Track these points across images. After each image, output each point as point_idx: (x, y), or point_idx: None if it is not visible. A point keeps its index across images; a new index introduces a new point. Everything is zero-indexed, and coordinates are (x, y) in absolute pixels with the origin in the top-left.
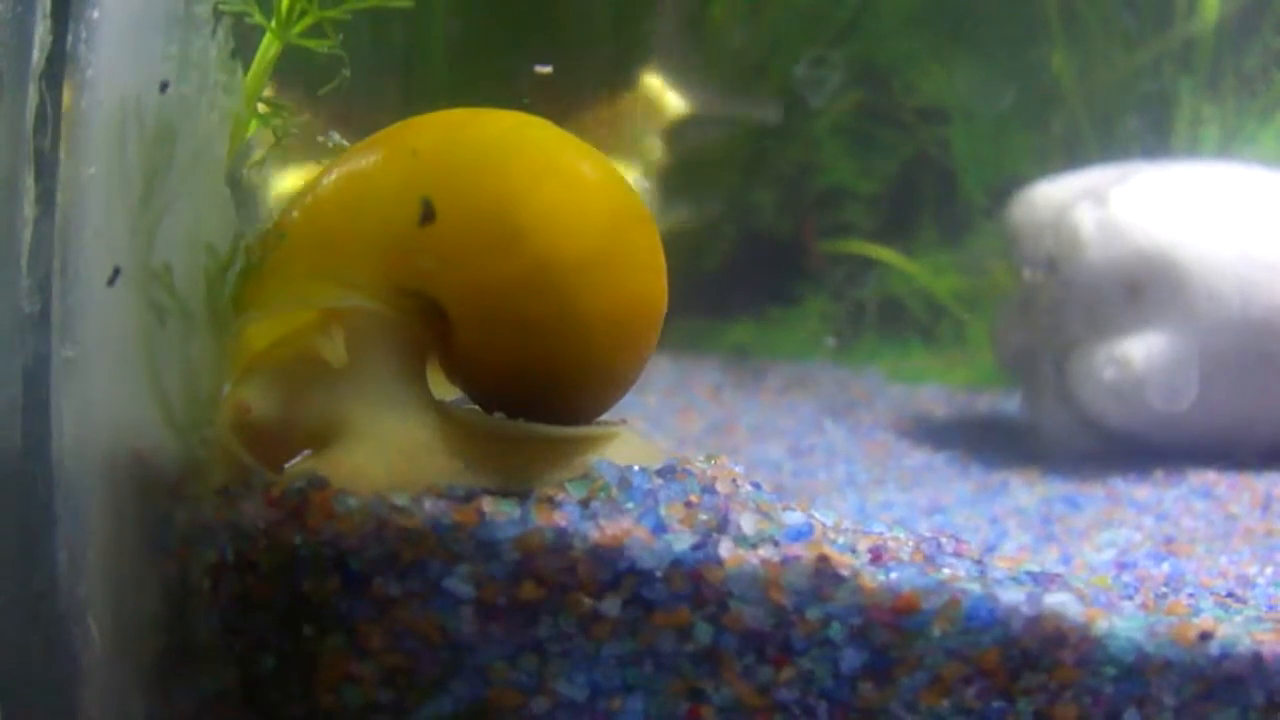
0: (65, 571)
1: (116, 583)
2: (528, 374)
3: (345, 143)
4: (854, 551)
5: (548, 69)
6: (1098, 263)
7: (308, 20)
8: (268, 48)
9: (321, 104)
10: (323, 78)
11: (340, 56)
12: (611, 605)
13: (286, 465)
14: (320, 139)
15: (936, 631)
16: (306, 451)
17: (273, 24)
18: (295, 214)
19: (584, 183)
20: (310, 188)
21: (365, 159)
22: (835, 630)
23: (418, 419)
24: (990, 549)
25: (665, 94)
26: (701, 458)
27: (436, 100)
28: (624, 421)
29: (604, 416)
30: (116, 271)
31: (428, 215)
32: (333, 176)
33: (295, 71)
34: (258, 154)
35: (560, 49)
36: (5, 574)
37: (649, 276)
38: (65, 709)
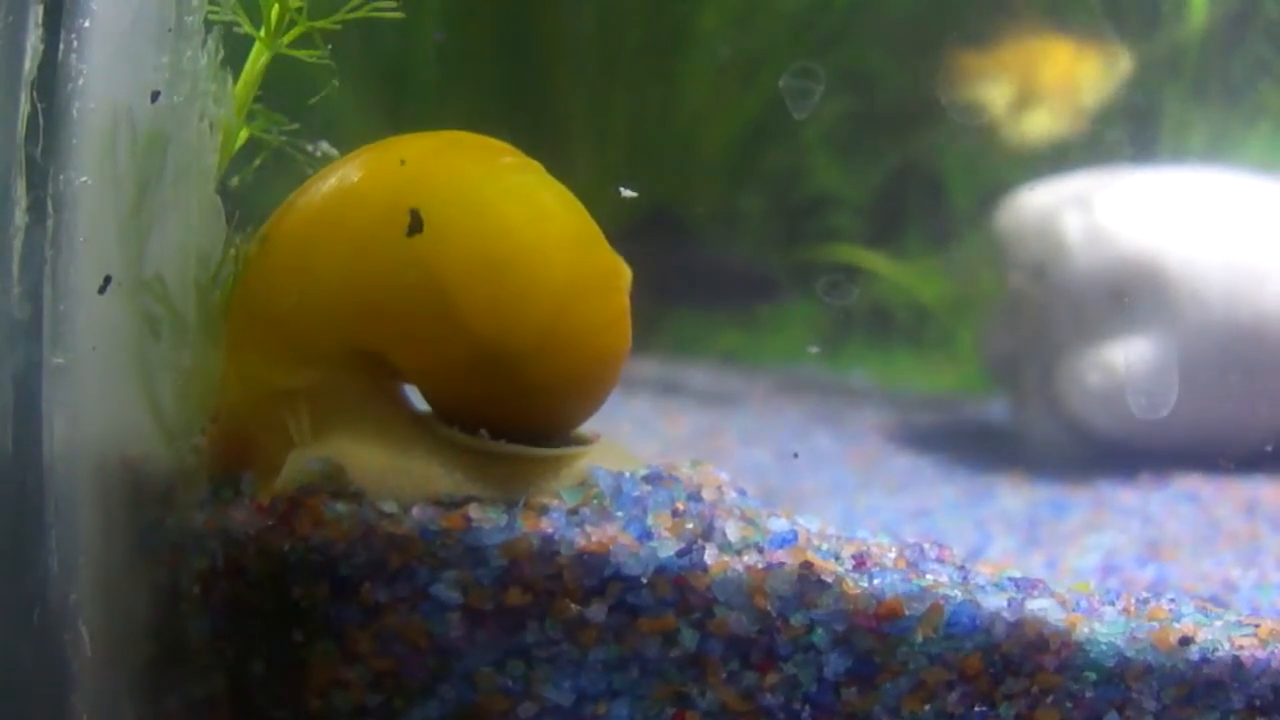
0: (56, 578)
1: (107, 589)
2: (489, 420)
3: (335, 151)
4: (838, 558)
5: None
6: (1084, 268)
7: (297, 30)
8: (257, 57)
9: None
10: None
11: (329, 67)
12: (597, 611)
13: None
14: (310, 148)
15: (919, 637)
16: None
17: (262, 33)
18: (254, 276)
19: (532, 258)
20: (268, 242)
21: (319, 223)
22: (819, 636)
23: (402, 430)
24: (976, 554)
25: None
26: (688, 463)
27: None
28: (599, 436)
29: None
30: (107, 280)
31: (415, 226)
32: (286, 238)
33: None
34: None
35: None
36: None
37: (604, 338)
38: (56, 714)
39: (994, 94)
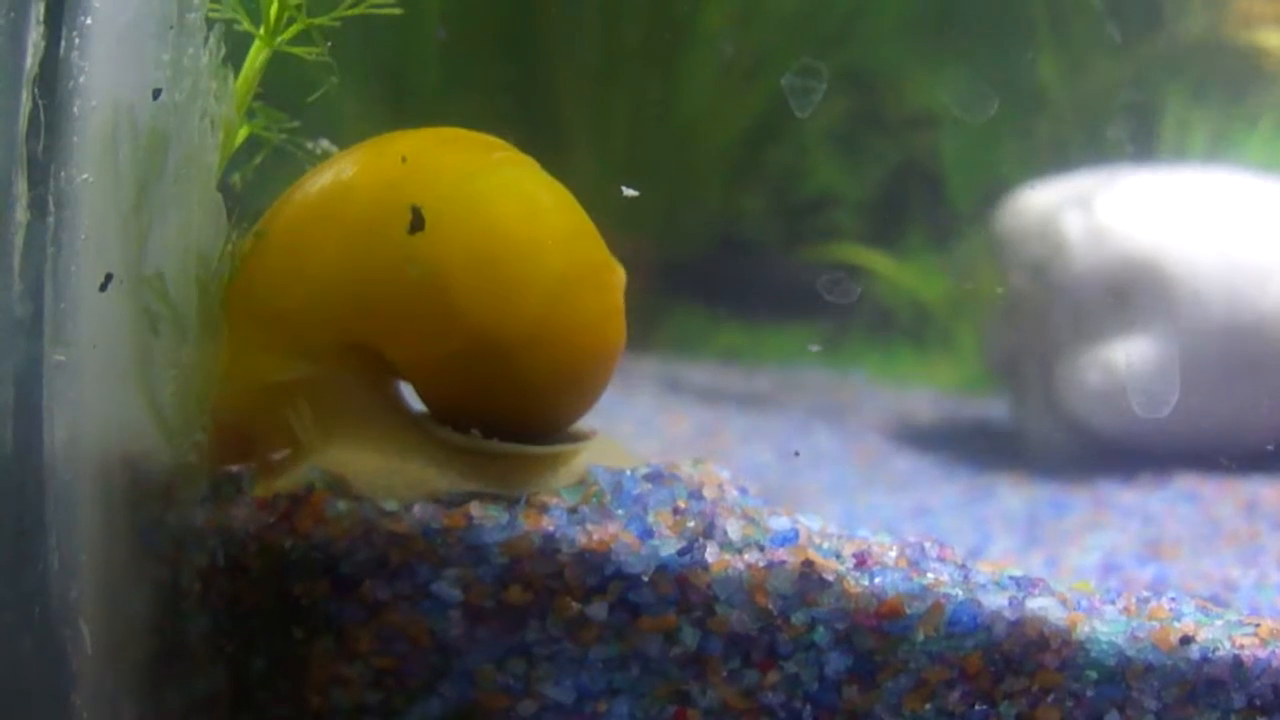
0: (57, 575)
1: (108, 586)
2: (483, 415)
3: (335, 149)
4: (839, 556)
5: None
6: (1084, 268)
7: (296, 28)
8: (256, 54)
9: None
10: None
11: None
12: (598, 609)
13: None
14: (310, 145)
15: (920, 636)
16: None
17: (261, 31)
18: (250, 271)
19: (526, 252)
20: (264, 237)
21: (314, 217)
22: (820, 634)
23: (396, 430)
24: (977, 553)
25: None
26: (689, 462)
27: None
28: (595, 432)
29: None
30: (108, 277)
31: (416, 224)
32: (281, 232)
33: None
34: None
35: None
36: None
37: (598, 332)
38: (56, 711)
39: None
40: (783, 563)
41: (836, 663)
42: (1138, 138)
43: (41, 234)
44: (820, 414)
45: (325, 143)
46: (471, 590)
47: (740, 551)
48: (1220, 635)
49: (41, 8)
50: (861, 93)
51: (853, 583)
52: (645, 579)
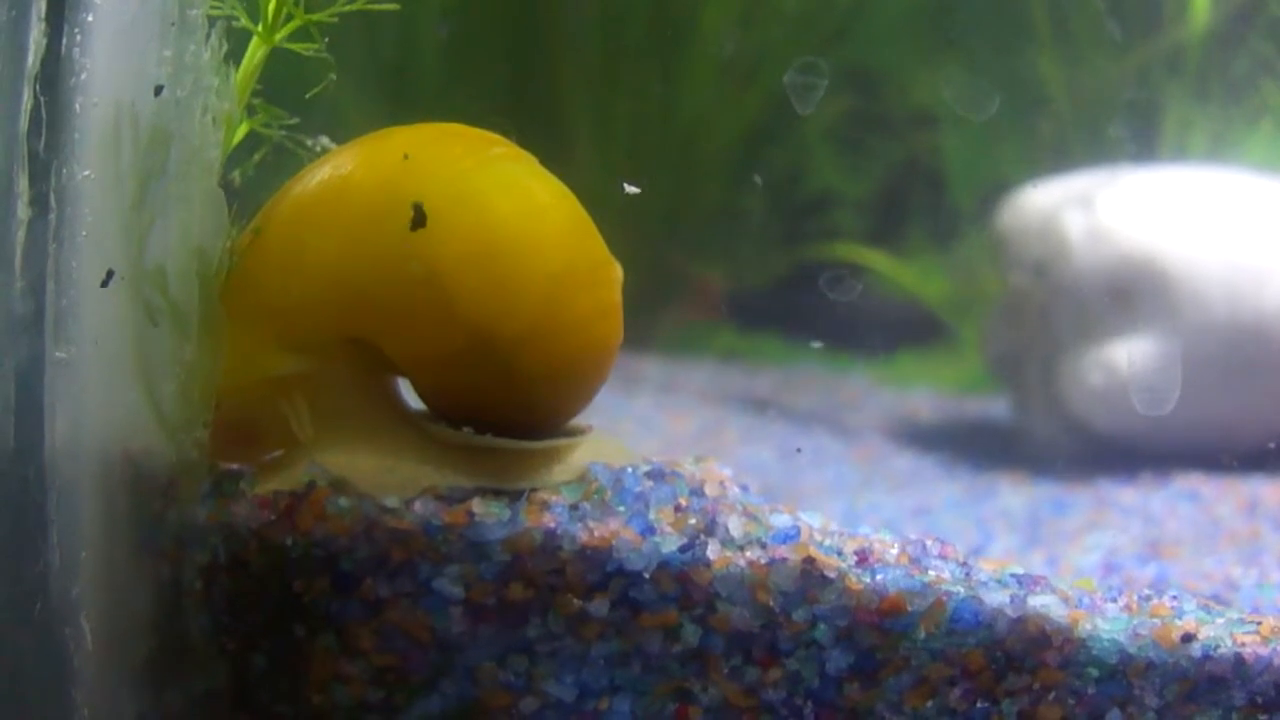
0: (58, 572)
1: (109, 583)
2: (479, 411)
3: (334, 146)
4: (840, 554)
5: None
6: (1085, 268)
7: (294, 24)
8: (254, 51)
9: None
10: None
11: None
12: (600, 606)
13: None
14: (309, 142)
15: (922, 633)
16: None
17: (260, 27)
18: (248, 265)
19: (524, 248)
20: (263, 231)
21: (313, 212)
22: (821, 632)
23: (391, 426)
24: (978, 552)
25: None
26: (690, 460)
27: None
28: (591, 428)
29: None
30: (110, 273)
31: (418, 221)
32: (280, 227)
33: None
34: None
35: None
36: None
37: (596, 328)
38: (57, 708)
39: None
40: (784, 560)
41: (838, 660)
42: (1139, 137)
43: (43, 231)
44: (820, 413)
45: (325, 139)
46: (473, 587)
47: (742, 548)
48: (1222, 633)
49: (43, 5)
50: (863, 92)
51: (854, 580)
52: (647, 576)
